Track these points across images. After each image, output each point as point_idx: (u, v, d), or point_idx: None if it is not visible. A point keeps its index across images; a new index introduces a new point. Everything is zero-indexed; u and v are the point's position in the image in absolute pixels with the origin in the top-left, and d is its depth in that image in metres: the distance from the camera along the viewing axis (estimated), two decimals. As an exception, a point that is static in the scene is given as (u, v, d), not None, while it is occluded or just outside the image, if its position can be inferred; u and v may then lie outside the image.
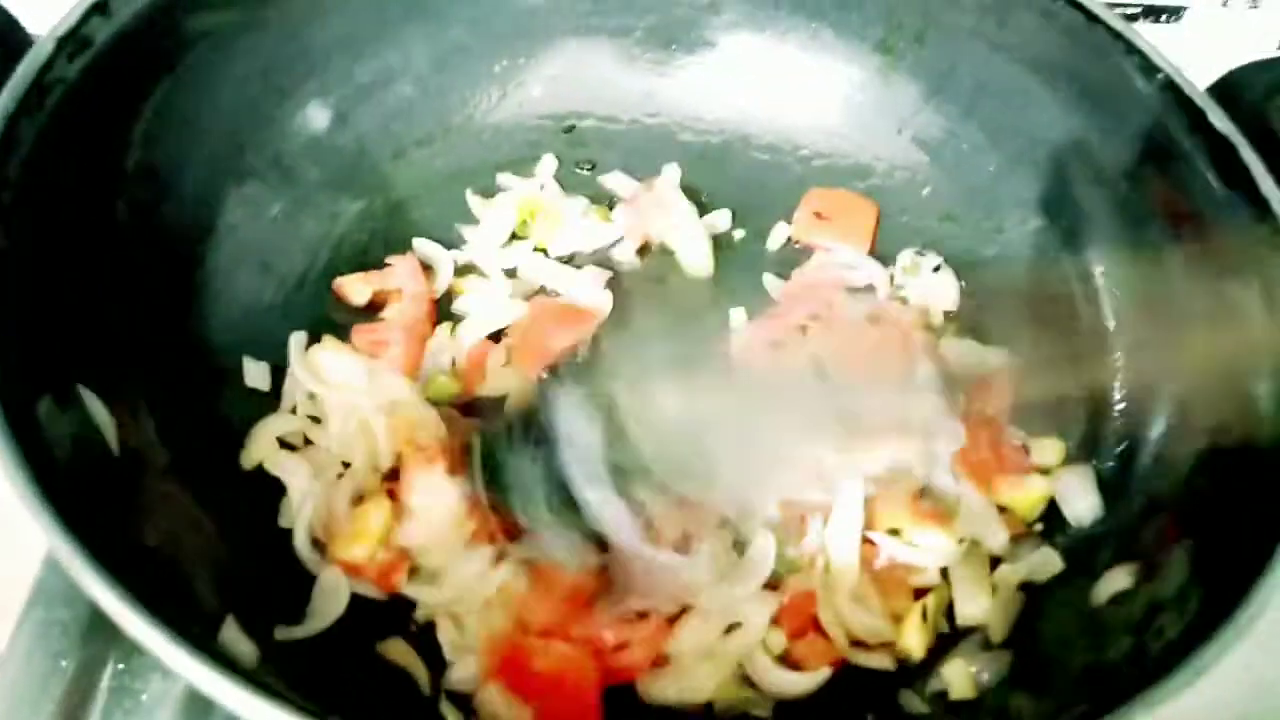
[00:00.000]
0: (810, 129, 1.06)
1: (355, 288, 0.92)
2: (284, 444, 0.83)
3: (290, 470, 0.80)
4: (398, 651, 0.74)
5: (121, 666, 0.81)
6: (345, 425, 0.82)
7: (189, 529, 0.72)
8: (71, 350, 0.68)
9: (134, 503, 0.66)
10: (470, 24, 1.01)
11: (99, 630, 0.82)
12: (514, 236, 0.99)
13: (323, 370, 0.84)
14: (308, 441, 0.83)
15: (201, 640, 0.53)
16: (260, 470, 0.81)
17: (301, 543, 0.76)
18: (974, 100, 1.01)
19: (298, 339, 0.86)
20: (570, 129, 1.06)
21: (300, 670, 0.64)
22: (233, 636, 0.62)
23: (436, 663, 0.74)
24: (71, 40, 0.71)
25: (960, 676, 0.75)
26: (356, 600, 0.76)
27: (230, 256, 0.88)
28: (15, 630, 0.82)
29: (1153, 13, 1.25)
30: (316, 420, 0.84)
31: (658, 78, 1.08)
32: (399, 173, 0.99)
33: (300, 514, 0.77)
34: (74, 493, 0.57)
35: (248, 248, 0.89)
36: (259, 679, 0.52)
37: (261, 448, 0.81)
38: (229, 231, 0.88)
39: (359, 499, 0.79)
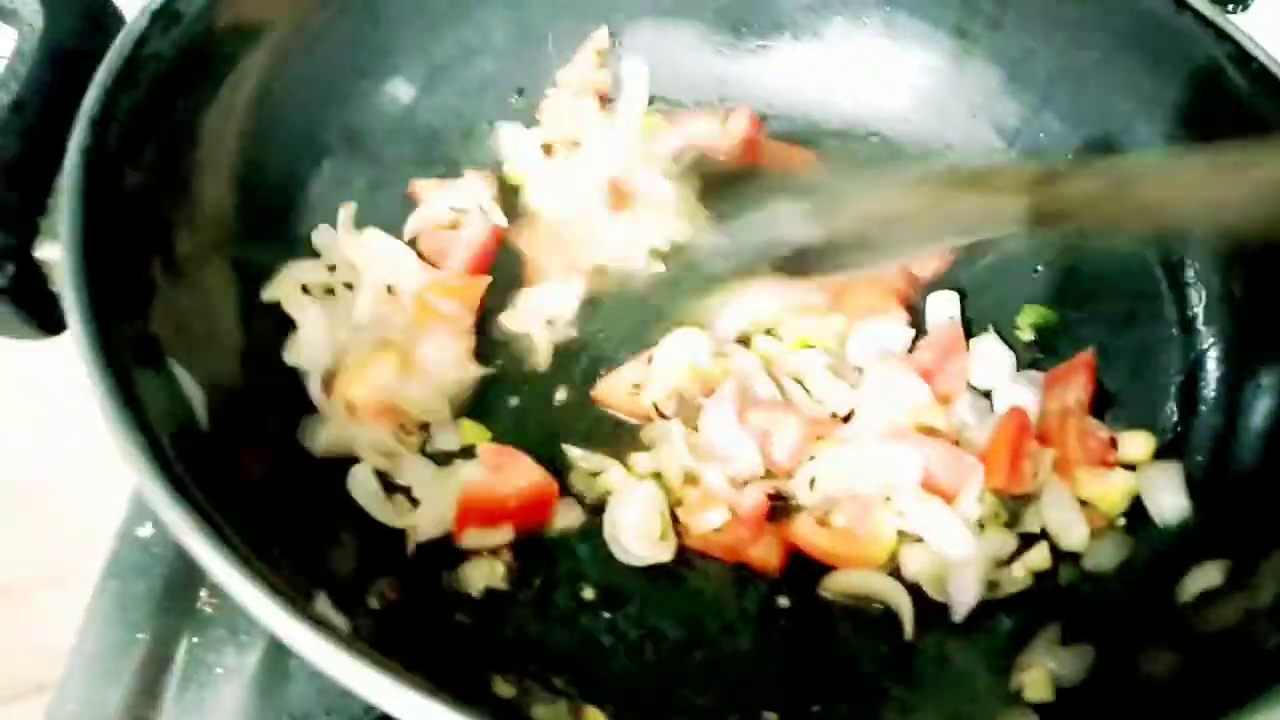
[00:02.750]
0: (882, 114, 1.05)
1: (429, 190, 0.94)
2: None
3: (305, 310, 0.84)
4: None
5: (196, 640, 0.83)
6: (375, 297, 0.87)
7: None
8: (164, 323, 0.68)
9: (226, 470, 0.66)
10: (543, 3, 1.01)
11: (174, 603, 0.84)
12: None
13: (370, 246, 0.88)
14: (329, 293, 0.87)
15: (303, 608, 0.53)
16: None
17: (314, 383, 0.81)
18: (1051, 87, 0.99)
19: (347, 210, 0.89)
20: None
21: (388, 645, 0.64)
22: (325, 611, 0.62)
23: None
24: (164, 14, 0.71)
25: (1037, 676, 0.74)
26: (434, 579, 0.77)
27: (308, 233, 0.88)
28: (91, 603, 0.84)
29: (1221, 1, 1.23)
30: (349, 286, 0.87)
31: (728, 61, 1.07)
32: (468, 151, 0.99)
33: (317, 355, 0.82)
34: (174, 457, 0.57)
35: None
36: (360, 646, 0.52)
37: (285, 286, 0.84)
38: (311, 209, 0.88)
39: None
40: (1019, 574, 0.80)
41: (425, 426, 0.85)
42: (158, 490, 0.53)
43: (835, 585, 0.81)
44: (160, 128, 0.71)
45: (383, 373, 0.83)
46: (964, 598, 0.79)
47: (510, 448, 0.82)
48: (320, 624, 0.53)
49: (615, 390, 0.88)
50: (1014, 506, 0.84)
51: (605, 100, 1.03)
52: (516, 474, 0.80)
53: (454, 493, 0.79)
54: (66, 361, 0.58)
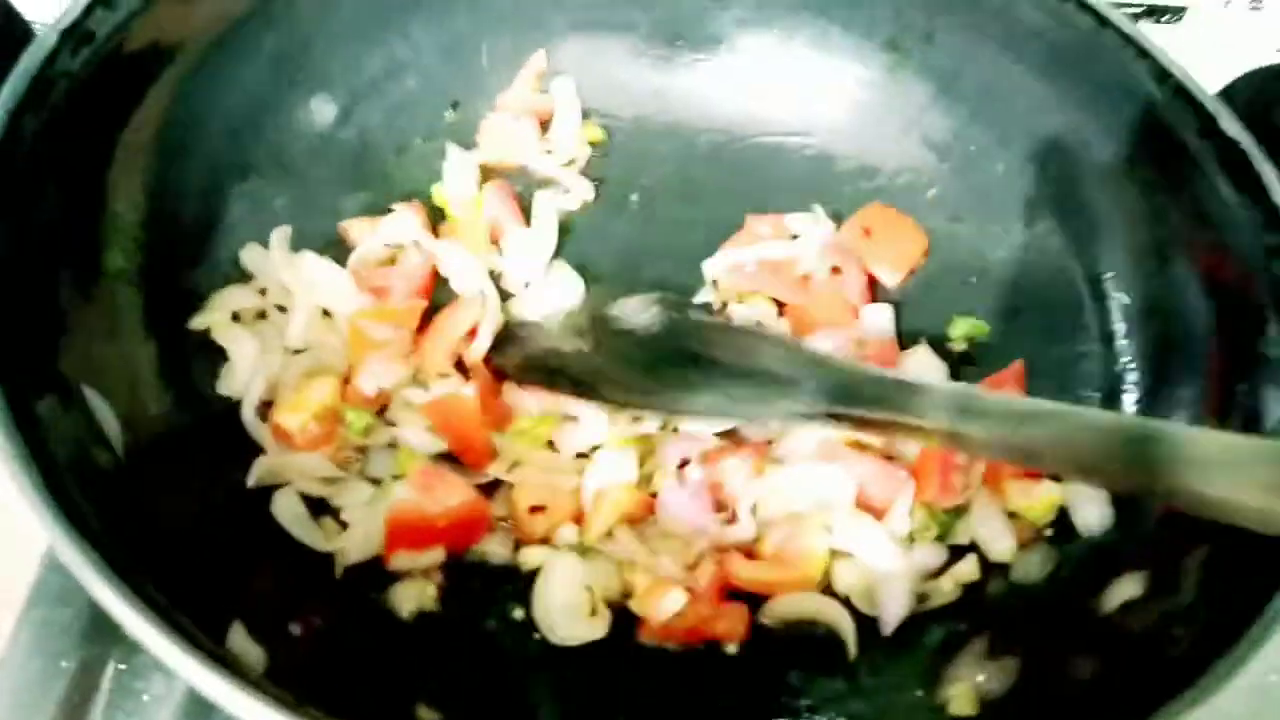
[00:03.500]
0: (817, 127, 1.06)
1: (360, 230, 0.92)
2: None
3: (237, 339, 0.83)
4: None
5: (123, 666, 0.81)
6: (309, 321, 0.86)
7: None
8: (74, 347, 0.67)
9: (139, 504, 0.65)
10: (475, 18, 1.00)
11: (99, 630, 0.82)
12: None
13: (303, 269, 0.88)
14: (260, 316, 0.87)
15: (210, 646, 0.53)
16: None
17: (248, 409, 0.81)
18: (982, 101, 1.00)
19: (281, 232, 0.89)
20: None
21: (308, 674, 0.64)
22: (240, 642, 0.61)
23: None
24: (75, 33, 0.70)
25: (962, 690, 0.74)
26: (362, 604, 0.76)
27: (232, 254, 0.87)
28: (15, 630, 0.82)
29: (1154, 13, 1.25)
30: (282, 309, 0.87)
31: (663, 74, 1.07)
32: (402, 168, 0.99)
33: (252, 382, 0.81)
34: (78, 493, 0.56)
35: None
36: (267, 686, 0.52)
37: (214, 315, 0.84)
38: (230, 229, 0.87)
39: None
40: (947, 587, 0.81)
41: (362, 450, 0.84)
42: (51, 524, 0.52)
43: (775, 612, 0.80)
44: (71, 149, 0.70)
45: (319, 398, 0.82)
46: (893, 610, 0.80)
47: (441, 468, 0.81)
48: (227, 664, 0.52)
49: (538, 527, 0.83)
50: (944, 519, 0.84)
51: (545, 123, 1.03)
52: (446, 494, 0.79)
53: (384, 514, 0.78)
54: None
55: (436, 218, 0.97)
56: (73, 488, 0.55)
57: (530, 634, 0.78)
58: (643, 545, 0.81)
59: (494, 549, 0.81)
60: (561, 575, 0.79)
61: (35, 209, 0.66)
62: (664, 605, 0.77)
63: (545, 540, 0.82)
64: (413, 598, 0.78)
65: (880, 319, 0.95)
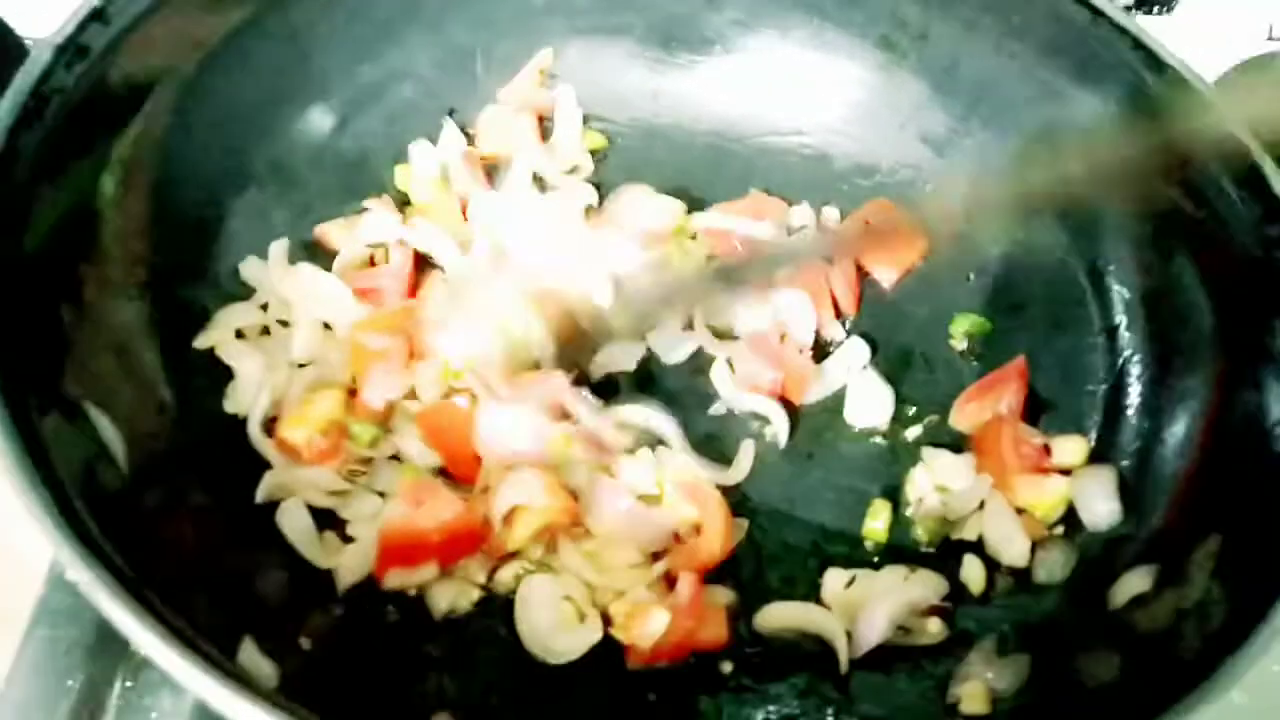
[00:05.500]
0: (813, 126, 1.06)
1: (336, 234, 0.91)
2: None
3: (242, 357, 0.83)
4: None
5: (129, 684, 0.80)
6: (311, 335, 0.85)
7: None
8: (76, 365, 0.66)
9: (146, 521, 0.64)
10: (471, 27, 1.00)
11: (105, 648, 0.81)
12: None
13: (303, 282, 0.87)
14: (264, 332, 0.86)
15: (224, 663, 0.52)
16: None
17: (254, 425, 0.80)
18: (978, 97, 1.00)
19: (279, 246, 0.88)
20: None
21: (320, 689, 0.63)
22: (252, 657, 0.61)
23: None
24: (70, 49, 0.69)
25: (974, 689, 0.74)
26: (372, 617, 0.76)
27: (232, 267, 0.87)
28: (20, 649, 0.81)
29: (1145, 3, 1.25)
30: (284, 324, 0.86)
31: (659, 77, 1.07)
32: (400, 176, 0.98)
33: (258, 398, 0.81)
34: (85, 511, 0.55)
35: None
36: (283, 702, 0.51)
37: (218, 333, 0.83)
38: (230, 242, 0.87)
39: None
40: (933, 629, 0.79)
41: (368, 462, 0.83)
42: (61, 543, 0.51)
43: (768, 621, 0.80)
44: (69, 165, 0.69)
45: (324, 412, 0.81)
46: (868, 634, 0.77)
47: (433, 481, 0.80)
48: (243, 680, 0.51)
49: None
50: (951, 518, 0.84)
51: (543, 119, 1.03)
52: (438, 508, 0.77)
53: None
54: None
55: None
56: (80, 506, 0.55)
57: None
58: (589, 560, 0.79)
59: (472, 571, 0.79)
60: (539, 596, 0.77)
61: (33, 224, 0.65)
62: (648, 630, 0.75)
63: (517, 554, 0.79)
64: (449, 598, 0.77)
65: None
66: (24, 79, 0.66)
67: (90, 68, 0.70)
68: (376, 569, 0.76)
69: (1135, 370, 0.88)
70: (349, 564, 0.77)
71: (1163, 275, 0.86)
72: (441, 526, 0.76)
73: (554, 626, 0.76)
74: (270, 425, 0.81)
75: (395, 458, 0.83)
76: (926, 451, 0.88)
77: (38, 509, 0.52)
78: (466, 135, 1.01)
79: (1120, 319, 0.91)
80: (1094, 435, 0.88)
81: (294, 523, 0.77)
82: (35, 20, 0.72)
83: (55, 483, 0.54)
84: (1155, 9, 1.25)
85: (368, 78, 0.96)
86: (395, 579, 0.76)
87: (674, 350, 0.92)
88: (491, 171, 1.00)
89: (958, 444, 0.89)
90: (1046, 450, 0.87)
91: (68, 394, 0.63)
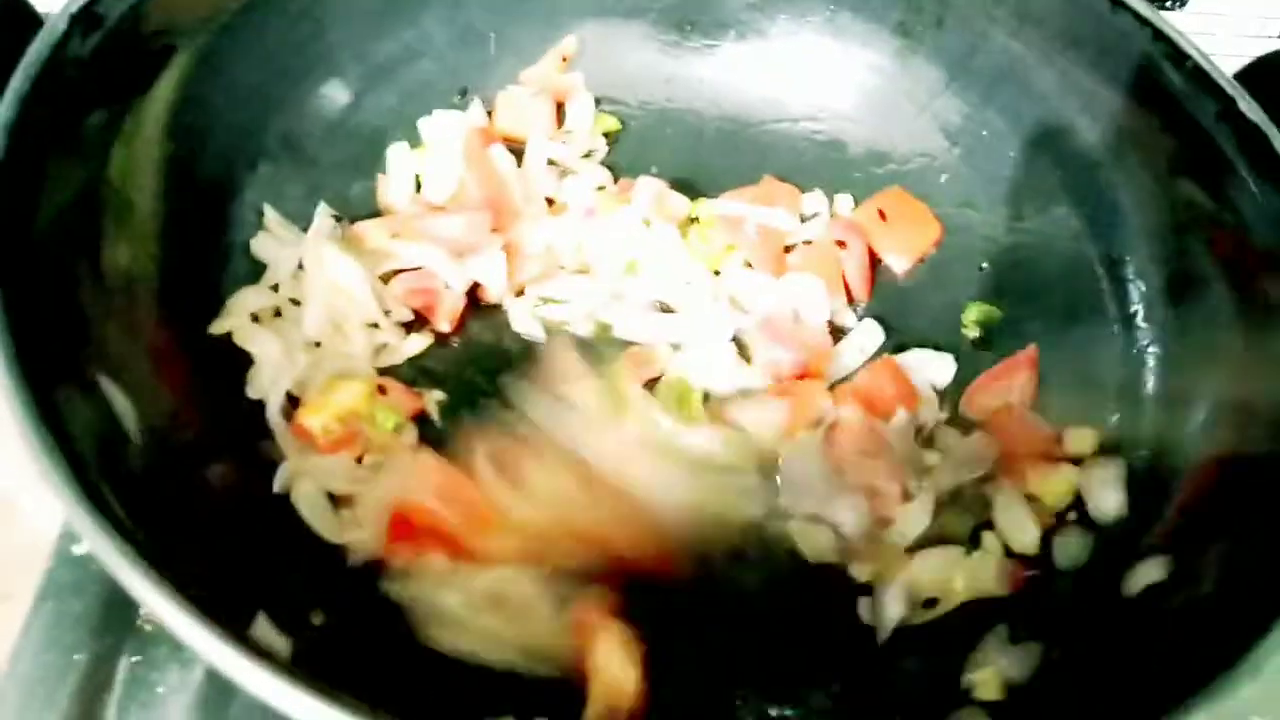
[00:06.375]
0: (827, 113, 1.05)
1: (371, 232, 0.91)
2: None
3: (259, 341, 0.82)
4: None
5: (137, 659, 0.80)
6: (323, 313, 0.85)
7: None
8: (89, 337, 0.66)
9: (161, 497, 0.64)
10: (486, 4, 0.99)
11: (111, 623, 0.81)
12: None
13: (322, 262, 0.86)
14: (276, 314, 0.85)
15: (245, 637, 0.52)
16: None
17: (274, 410, 0.79)
18: (994, 86, 1.00)
19: (325, 210, 0.88)
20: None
21: (329, 666, 0.63)
22: (266, 632, 0.60)
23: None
24: (84, 18, 0.69)
25: (988, 676, 0.74)
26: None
27: (244, 242, 0.87)
28: (26, 623, 0.81)
29: (1158, -1, 1.25)
30: (296, 303, 0.85)
31: (674, 61, 1.06)
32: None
33: (277, 382, 0.80)
34: (105, 487, 0.55)
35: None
36: (304, 676, 0.51)
37: (233, 319, 0.83)
38: (243, 217, 0.86)
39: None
40: (958, 585, 0.80)
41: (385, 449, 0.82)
42: (79, 512, 0.51)
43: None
44: (83, 136, 0.69)
45: (345, 401, 0.81)
46: (890, 613, 0.78)
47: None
48: (258, 650, 0.51)
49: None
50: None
51: (561, 105, 1.03)
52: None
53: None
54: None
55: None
56: (98, 479, 0.54)
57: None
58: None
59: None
60: None
61: (48, 196, 0.65)
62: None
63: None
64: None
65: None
66: (39, 48, 0.66)
67: (105, 38, 0.70)
68: (386, 544, 0.76)
69: (1152, 360, 0.88)
70: (361, 539, 0.76)
71: (1181, 265, 0.86)
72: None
73: None
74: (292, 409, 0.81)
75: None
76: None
77: (57, 480, 0.52)
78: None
79: (1137, 308, 0.90)
80: (1110, 425, 0.87)
81: (309, 498, 0.77)
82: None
83: (74, 455, 0.54)
84: (1169, 4, 1.25)
85: (383, 54, 0.95)
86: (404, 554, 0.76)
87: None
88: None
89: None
90: (1057, 439, 0.86)
91: (83, 368, 0.63)
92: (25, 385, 0.55)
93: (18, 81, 0.64)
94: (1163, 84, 0.85)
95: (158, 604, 0.50)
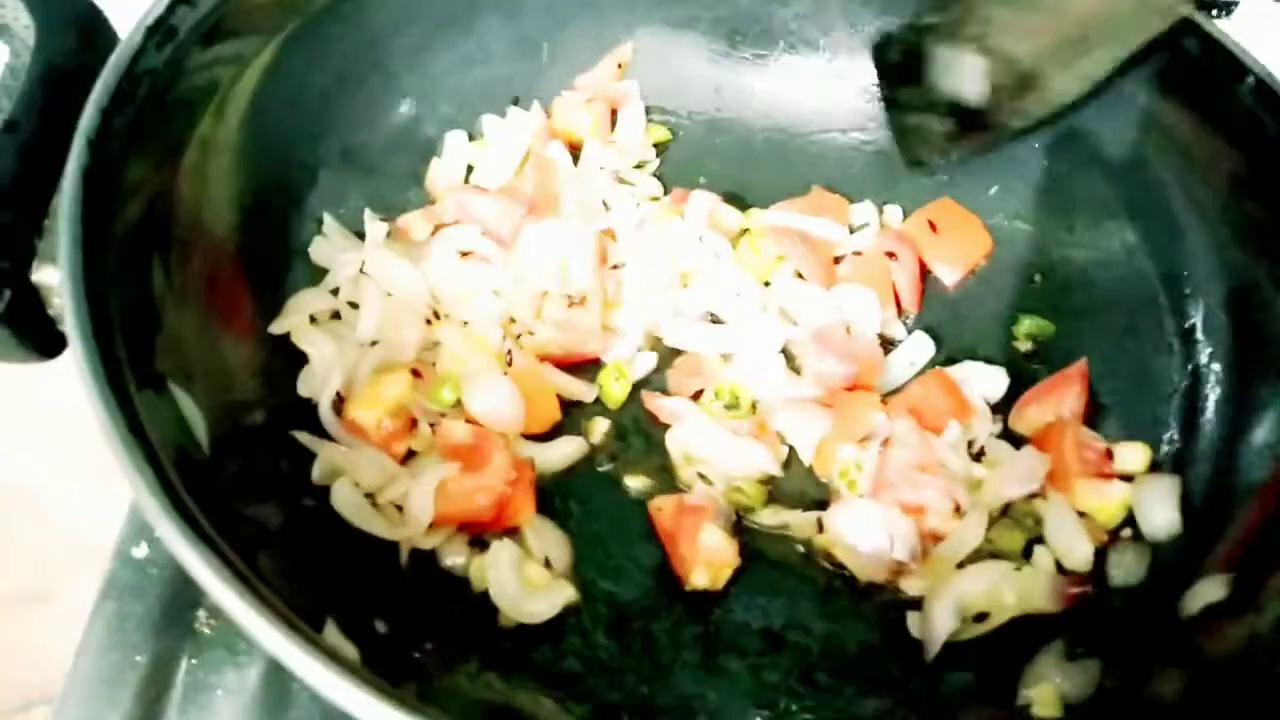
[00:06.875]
0: (876, 123, 1.05)
1: (416, 224, 0.92)
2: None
3: (316, 342, 0.84)
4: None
5: (195, 661, 0.81)
6: (378, 316, 0.86)
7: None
8: (165, 340, 0.67)
9: (230, 500, 0.65)
10: (541, 13, 1.00)
11: (171, 624, 0.82)
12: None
13: (380, 265, 0.88)
14: (334, 316, 0.87)
15: (312, 637, 0.53)
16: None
17: (325, 408, 0.81)
18: (1047, 98, 0.99)
19: (371, 216, 0.90)
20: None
21: (397, 675, 0.64)
22: (335, 638, 0.61)
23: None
24: (159, 30, 0.70)
25: (1046, 692, 0.74)
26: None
27: (303, 249, 0.88)
28: (88, 625, 0.82)
29: (1205, 6, 1.23)
30: (354, 306, 0.87)
31: (724, 71, 1.07)
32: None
33: (329, 383, 0.81)
34: (182, 489, 0.56)
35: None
36: (369, 677, 0.52)
37: (292, 319, 0.84)
38: (306, 225, 0.87)
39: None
40: (1009, 601, 0.79)
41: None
42: (165, 520, 0.52)
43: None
44: (157, 145, 0.70)
45: (392, 393, 0.82)
46: (939, 628, 0.78)
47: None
48: (333, 656, 0.52)
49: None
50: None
51: (615, 111, 1.04)
52: (493, 469, 0.79)
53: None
54: (62, 378, 0.57)
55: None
56: (174, 479, 0.55)
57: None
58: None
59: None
60: (500, 563, 0.77)
61: (125, 203, 0.66)
62: None
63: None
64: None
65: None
66: (118, 59, 0.67)
67: (178, 48, 0.71)
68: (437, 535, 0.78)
69: (1212, 377, 0.87)
70: (411, 532, 0.77)
71: (1243, 280, 0.85)
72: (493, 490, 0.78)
73: (518, 593, 0.77)
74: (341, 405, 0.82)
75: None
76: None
77: (145, 488, 0.52)
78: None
79: (1197, 322, 0.89)
80: (1167, 441, 0.87)
81: (347, 498, 0.78)
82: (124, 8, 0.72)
83: (153, 455, 0.55)
84: (1214, 12, 1.24)
85: (441, 64, 0.96)
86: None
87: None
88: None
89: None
90: (1109, 455, 0.86)
91: (159, 373, 0.64)
92: (109, 390, 0.55)
93: (98, 93, 0.64)
94: (1227, 96, 0.84)
95: (239, 610, 0.51)
